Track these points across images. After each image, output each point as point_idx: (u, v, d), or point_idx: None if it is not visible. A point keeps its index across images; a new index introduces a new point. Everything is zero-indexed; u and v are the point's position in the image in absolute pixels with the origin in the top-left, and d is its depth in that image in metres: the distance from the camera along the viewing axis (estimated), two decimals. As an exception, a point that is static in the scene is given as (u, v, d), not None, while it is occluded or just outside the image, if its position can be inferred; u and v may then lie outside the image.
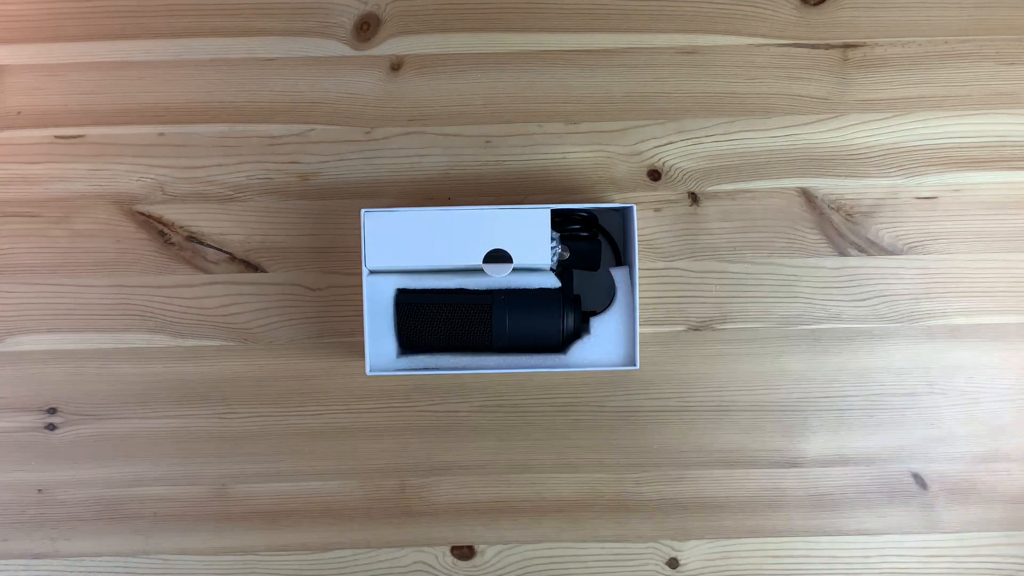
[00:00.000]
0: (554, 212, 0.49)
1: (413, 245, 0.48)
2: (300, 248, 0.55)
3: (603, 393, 0.55)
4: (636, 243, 0.49)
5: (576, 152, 0.55)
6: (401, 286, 0.50)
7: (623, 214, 0.53)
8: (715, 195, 0.55)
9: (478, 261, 0.48)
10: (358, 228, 0.50)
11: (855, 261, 0.55)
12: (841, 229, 0.55)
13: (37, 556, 0.56)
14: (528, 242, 0.48)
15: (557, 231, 0.50)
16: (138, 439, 0.55)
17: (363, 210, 0.49)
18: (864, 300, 0.55)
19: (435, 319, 0.50)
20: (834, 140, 0.55)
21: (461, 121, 0.55)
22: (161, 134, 0.55)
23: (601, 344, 0.50)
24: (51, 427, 0.55)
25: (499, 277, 0.49)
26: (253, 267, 0.55)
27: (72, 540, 0.56)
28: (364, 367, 0.49)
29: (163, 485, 0.55)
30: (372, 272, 0.50)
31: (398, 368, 0.50)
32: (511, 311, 0.49)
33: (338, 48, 0.55)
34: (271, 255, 0.55)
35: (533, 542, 0.56)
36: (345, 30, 0.55)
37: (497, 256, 0.48)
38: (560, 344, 0.50)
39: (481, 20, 0.55)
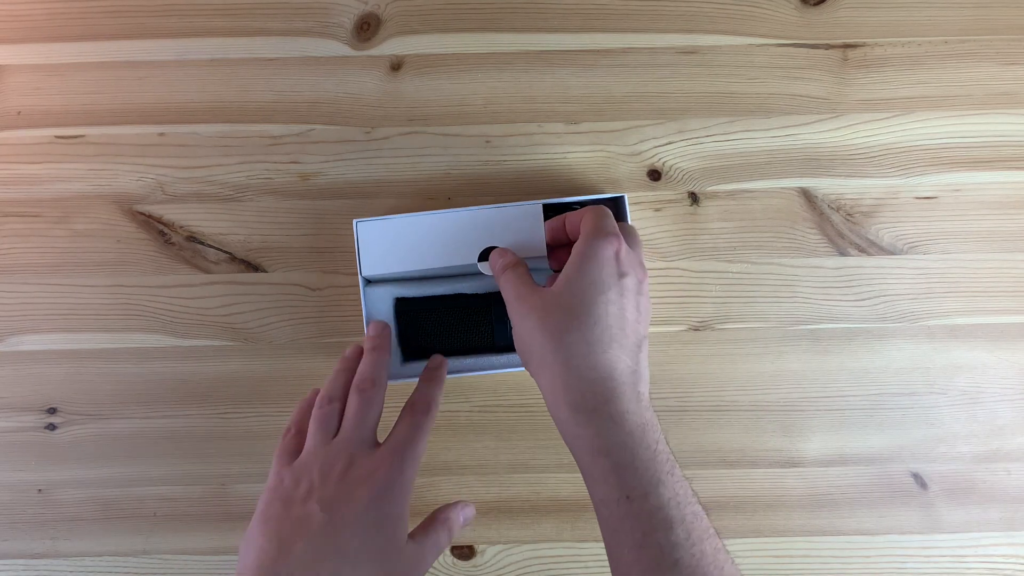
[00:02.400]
0: (548, 207, 0.49)
1: (408, 250, 0.48)
2: (300, 248, 0.55)
3: (603, 393, 0.55)
4: None
5: (576, 152, 0.55)
6: (399, 295, 0.50)
7: (616, 204, 0.52)
8: (715, 195, 0.55)
9: (473, 260, 0.48)
10: (358, 228, 0.50)
11: (855, 261, 0.55)
12: (841, 229, 0.55)
13: (37, 556, 0.56)
14: (523, 237, 0.48)
15: None
16: (138, 439, 0.55)
17: (355, 220, 0.48)
18: (864, 300, 0.55)
19: (437, 326, 0.50)
20: (834, 140, 0.55)
21: (461, 121, 0.55)
22: (161, 134, 0.55)
23: None
24: (51, 427, 0.55)
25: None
26: (253, 267, 0.55)
27: (72, 540, 0.56)
28: (364, 367, 0.49)
29: (163, 485, 0.55)
30: (369, 283, 0.50)
31: (403, 375, 0.50)
32: None
33: (338, 48, 0.55)
34: (271, 255, 0.55)
35: (533, 542, 0.56)
36: (345, 30, 0.55)
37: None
38: None
39: (481, 20, 0.55)
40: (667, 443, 0.39)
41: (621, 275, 0.41)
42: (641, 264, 0.43)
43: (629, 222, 0.49)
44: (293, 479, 0.41)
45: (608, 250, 0.41)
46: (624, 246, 0.42)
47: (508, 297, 0.43)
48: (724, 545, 0.37)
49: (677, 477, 0.37)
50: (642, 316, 0.42)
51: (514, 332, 0.43)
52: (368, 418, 0.43)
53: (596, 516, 0.39)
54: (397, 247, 0.48)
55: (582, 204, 0.51)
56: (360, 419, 0.42)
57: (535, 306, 0.41)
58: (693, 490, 0.38)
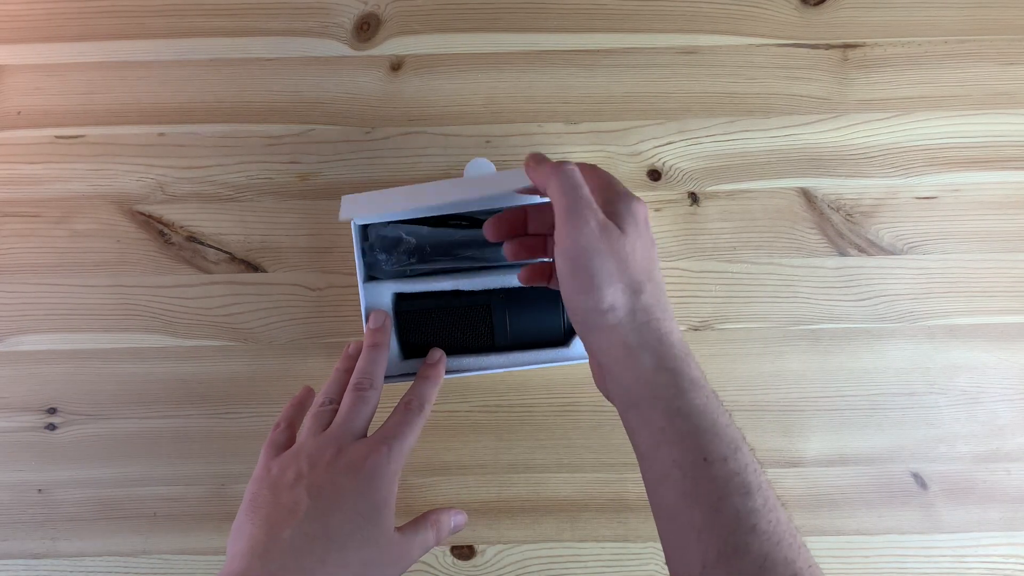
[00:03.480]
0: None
1: (393, 200, 0.46)
2: (300, 248, 0.55)
3: (603, 393, 0.55)
4: None
5: (576, 152, 0.55)
6: (398, 290, 0.50)
7: None
8: (715, 195, 0.55)
9: (458, 207, 0.46)
10: (358, 228, 0.50)
11: (855, 261, 0.55)
12: (841, 229, 0.55)
13: (37, 556, 0.56)
14: (512, 179, 0.45)
15: None
16: (138, 439, 0.55)
17: (343, 195, 0.47)
18: (864, 300, 0.55)
19: (436, 324, 0.50)
20: (834, 140, 0.55)
21: (461, 121, 0.55)
22: (161, 134, 0.55)
23: None
24: (51, 427, 0.55)
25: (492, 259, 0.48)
26: (253, 267, 0.55)
27: (72, 540, 0.56)
28: (364, 367, 0.49)
29: (163, 485, 0.55)
30: (371, 278, 0.50)
31: (403, 372, 0.50)
32: (510, 309, 0.49)
33: (338, 48, 0.55)
34: (271, 255, 0.55)
35: (533, 542, 0.56)
36: (345, 30, 0.55)
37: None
38: (562, 337, 0.50)
39: (481, 20, 0.55)
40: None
41: (649, 229, 0.40)
42: (620, 195, 0.40)
43: None
44: (281, 468, 0.41)
45: (640, 210, 0.39)
46: (643, 202, 0.40)
47: (580, 215, 0.38)
48: (790, 517, 0.36)
49: (748, 447, 0.37)
50: (655, 251, 0.41)
51: (585, 262, 0.38)
52: (361, 414, 0.43)
53: (661, 480, 0.37)
54: (382, 198, 0.47)
55: None
56: (353, 414, 0.43)
57: (616, 252, 0.38)
58: (757, 459, 0.37)
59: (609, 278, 0.38)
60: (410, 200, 0.46)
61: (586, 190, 0.39)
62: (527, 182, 0.42)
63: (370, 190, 0.55)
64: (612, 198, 0.40)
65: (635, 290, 0.38)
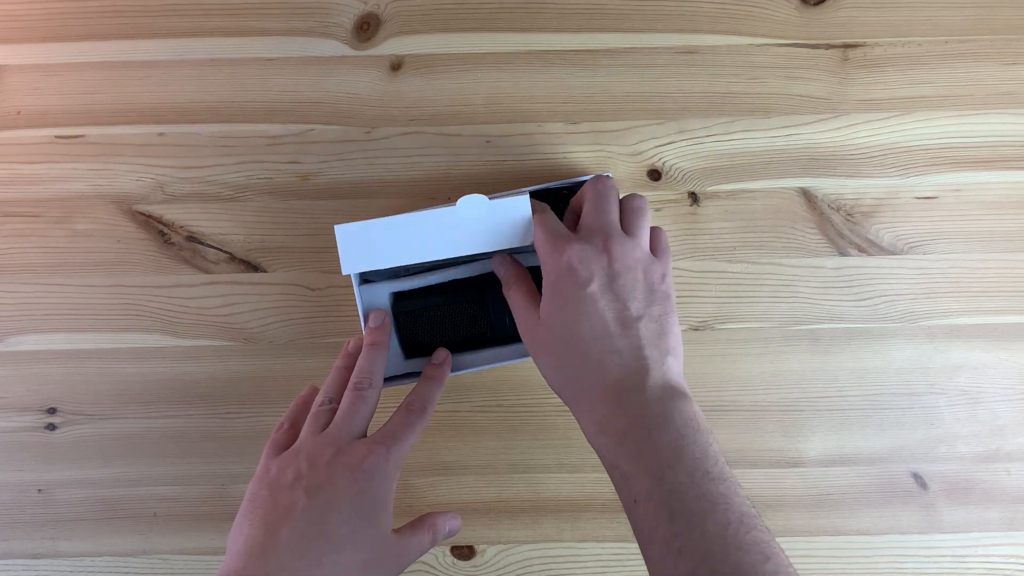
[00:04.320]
0: (535, 194, 0.48)
1: (390, 248, 0.46)
2: (300, 248, 0.55)
3: (603, 393, 0.55)
4: None
5: (576, 152, 0.55)
6: (395, 289, 0.50)
7: None
8: (715, 195, 0.55)
9: (459, 254, 0.46)
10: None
11: (855, 261, 0.55)
12: (841, 229, 0.55)
13: (37, 556, 0.56)
14: (510, 227, 0.46)
15: None
16: (138, 439, 0.55)
17: (335, 225, 0.46)
18: (864, 300, 0.55)
19: (434, 320, 0.50)
20: (834, 140, 0.55)
21: (461, 121, 0.55)
22: (161, 134, 0.55)
23: None
24: (51, 427, 0.55)
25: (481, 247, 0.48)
26: (253, 267, 0.55)
27: (72, 540, 0.56)
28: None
29: (163, 485, 0.55)
30: (365, 281, 0.50)
31: (406, 372, 0.50)
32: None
33: (338, 48, 0.55)
34: (271, 255, 0.55)
35: (533, 542, 0.56)
36: (345, 30, 0.55)
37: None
38: None
39: (481, 20, 0.55)
40: (684, 421, 0.39)
41: (582, 286, 0.41)
42: (601, 240, 0.42)
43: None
44: (280, 468, 0.41)
45: (560, 270, 0.41)
46: (570, 250, 0.41)
47: (517, 320, 0.45)
48: (745, 515, 0.36)
49: (684, 463, 0.37)
50: (635, 297, 0.41)
51: (534, 360, 0.44)
52: (360, 414, 0.43)
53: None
54: (379, 245, 0.46)
55: (569, 188, 0.51)
56: (352, 414, 0.43)
57: (543, 345, 0.43)
58: (706, 468, 0.37)
59: (550, 373, 0.43)
60: (413, 252, 0.46)
61: (522, 301, 0.44)
62: (524, 235, 0.45)
63: (369, 190, 0.55)
64: (545, 250, 0.43)
65: (570, 370, 0.42)
